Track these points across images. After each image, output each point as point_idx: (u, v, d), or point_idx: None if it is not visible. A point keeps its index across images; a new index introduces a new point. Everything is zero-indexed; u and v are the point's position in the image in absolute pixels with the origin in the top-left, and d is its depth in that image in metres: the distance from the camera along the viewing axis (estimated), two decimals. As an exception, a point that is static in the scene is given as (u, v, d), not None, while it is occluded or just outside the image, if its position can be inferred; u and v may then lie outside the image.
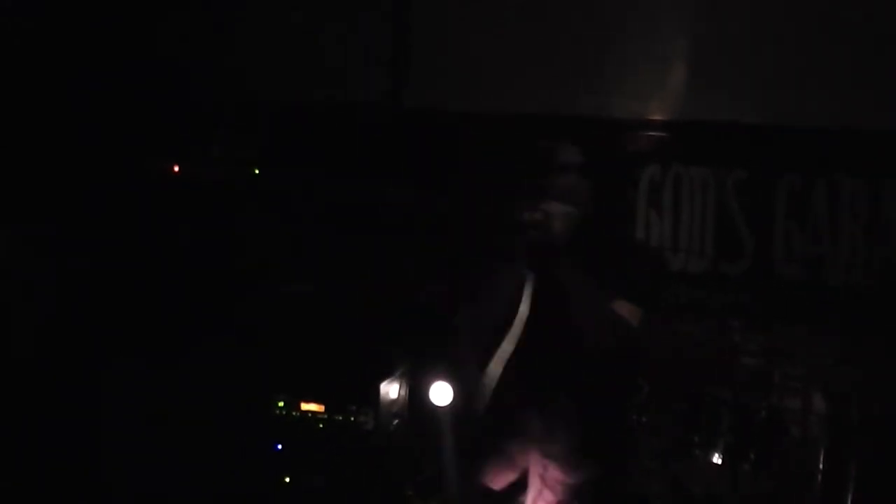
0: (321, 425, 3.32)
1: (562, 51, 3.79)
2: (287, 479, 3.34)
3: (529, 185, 2.44)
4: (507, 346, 2.47)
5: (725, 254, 3.71)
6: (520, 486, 2.59)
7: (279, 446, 3.35)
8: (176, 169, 3.87)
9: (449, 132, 3.96)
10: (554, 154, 2.46)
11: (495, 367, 2.47)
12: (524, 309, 2.46)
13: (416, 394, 3.47)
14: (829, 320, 3.57)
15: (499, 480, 2.65)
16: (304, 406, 3.35)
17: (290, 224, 4.00)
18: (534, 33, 3.82)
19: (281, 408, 3.36)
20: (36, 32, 3.79)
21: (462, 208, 3.86)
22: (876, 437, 3.25)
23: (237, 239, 4.00)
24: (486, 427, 2.62)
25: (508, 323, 2.48)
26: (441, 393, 3.34)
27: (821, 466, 3.18)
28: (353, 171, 4.03)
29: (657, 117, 3.70)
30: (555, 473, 2.48)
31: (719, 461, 3.16)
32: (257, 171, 3.90)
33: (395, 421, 3.45)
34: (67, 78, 3.85)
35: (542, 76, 3.79)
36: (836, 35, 3.51)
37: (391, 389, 3.42)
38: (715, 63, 3.62)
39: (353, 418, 3.30)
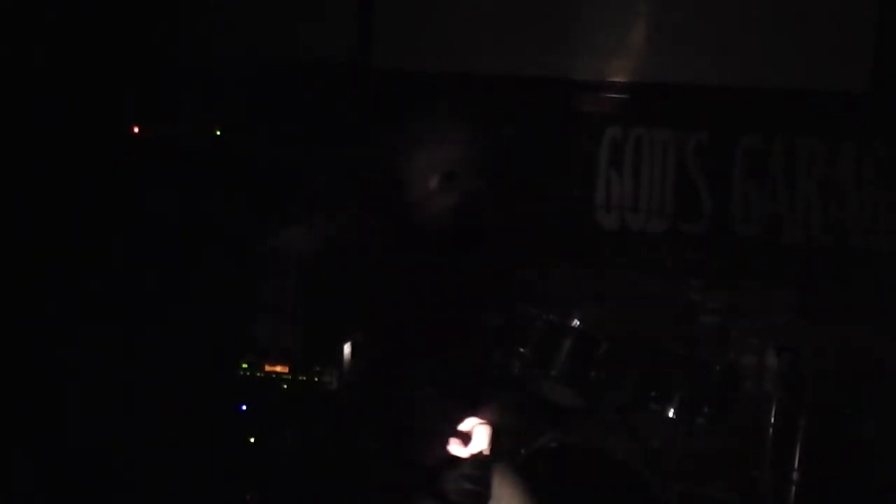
0: (286, 386, 3.35)
1: (524, 12, 3.78)
2: (252, 440, 3.37)
3: None
4: None
5: (685, 213, 3.76)
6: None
7: (244, 407, 3.38)
8: (136, 130, 3.83)
9: (415, 92, 3.94)
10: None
11: None
12: None
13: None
14: (786, 278, 3.65)
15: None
16: (269, 367, 3.37)
17: (254, 185, 3.98)
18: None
19: (245, 369, 3.37)
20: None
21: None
22: (827, 393, 3.35)
23: (202, 200, 3.97)
24: None
25: None
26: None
27: (772, 420, 3.27)
28: (317, 131, 4.01)
29: (619, 79, 3.71)
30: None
31: (674, 415, 3.24)
32: (219, 132, 3.87)
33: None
34: (22, 38, 3.77)
35: (505, 37, 3.79)
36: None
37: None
38: (675, 24, 3.64)
39: (317, 378, 3.33)
